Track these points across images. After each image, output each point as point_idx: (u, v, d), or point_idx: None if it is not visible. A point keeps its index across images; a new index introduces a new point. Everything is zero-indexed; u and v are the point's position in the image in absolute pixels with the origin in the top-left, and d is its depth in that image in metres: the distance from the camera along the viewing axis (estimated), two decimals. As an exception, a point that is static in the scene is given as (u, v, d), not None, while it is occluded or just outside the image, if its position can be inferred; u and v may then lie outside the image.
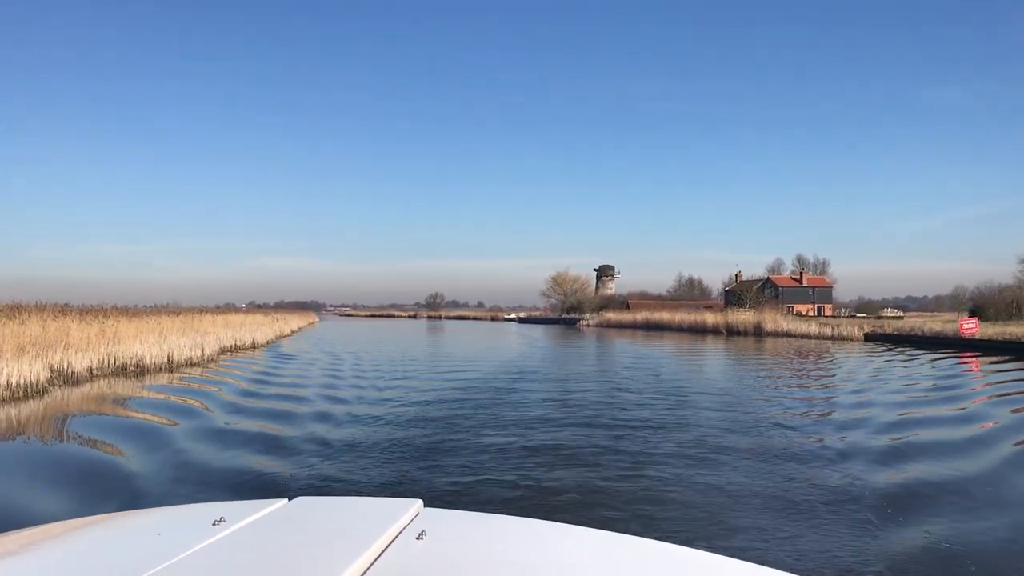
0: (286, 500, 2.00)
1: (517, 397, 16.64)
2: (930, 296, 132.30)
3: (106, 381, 19.51)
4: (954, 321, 45.86)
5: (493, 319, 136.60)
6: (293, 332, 60.11)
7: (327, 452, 10.12)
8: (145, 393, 17.11)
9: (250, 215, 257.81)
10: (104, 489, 8.27)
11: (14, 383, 15.59)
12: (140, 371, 22.01)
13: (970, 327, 39.11)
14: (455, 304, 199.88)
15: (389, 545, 1.60)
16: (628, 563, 1.60)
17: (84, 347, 21.09)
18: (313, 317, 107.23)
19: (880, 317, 74.39)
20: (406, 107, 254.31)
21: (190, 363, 24.94)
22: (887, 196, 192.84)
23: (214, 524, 1.72)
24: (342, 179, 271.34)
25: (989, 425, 13.00)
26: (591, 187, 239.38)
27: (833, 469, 9.25)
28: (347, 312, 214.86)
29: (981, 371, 24.86)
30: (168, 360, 23.84)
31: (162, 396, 16.66)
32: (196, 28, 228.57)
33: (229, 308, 60.30)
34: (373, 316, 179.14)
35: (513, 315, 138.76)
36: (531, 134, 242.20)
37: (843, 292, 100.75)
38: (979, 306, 70.56)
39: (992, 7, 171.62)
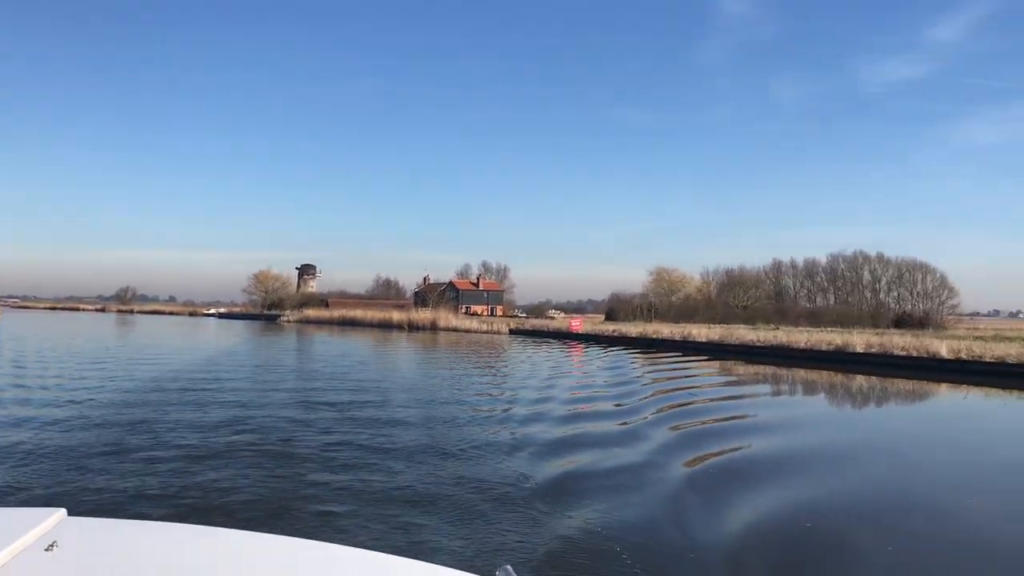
0: None
1: (210, 393, 16.57)
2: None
3: None
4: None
5: (192, 314, 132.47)
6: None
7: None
8: None
9: None
10: None
11: None
12: None
13: (576, 324, 53.55)
14: (145, 299, 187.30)
15: (11, 560, 1.48)
16: (276, 564, 1.56)
17: None
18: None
19: (539, 317, 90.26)
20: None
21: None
22: (585, 208, 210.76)
23: None
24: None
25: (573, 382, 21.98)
26: (297, 183, 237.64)
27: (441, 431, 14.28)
28: (18, 304, 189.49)
29: (581, 353, 36.93)
30: None
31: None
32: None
33: None
34: (54, 309, 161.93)
35: (213, 311, 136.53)
36: (243, 121, 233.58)
37: (532, 294, 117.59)
38: (613, 309, 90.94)
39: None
